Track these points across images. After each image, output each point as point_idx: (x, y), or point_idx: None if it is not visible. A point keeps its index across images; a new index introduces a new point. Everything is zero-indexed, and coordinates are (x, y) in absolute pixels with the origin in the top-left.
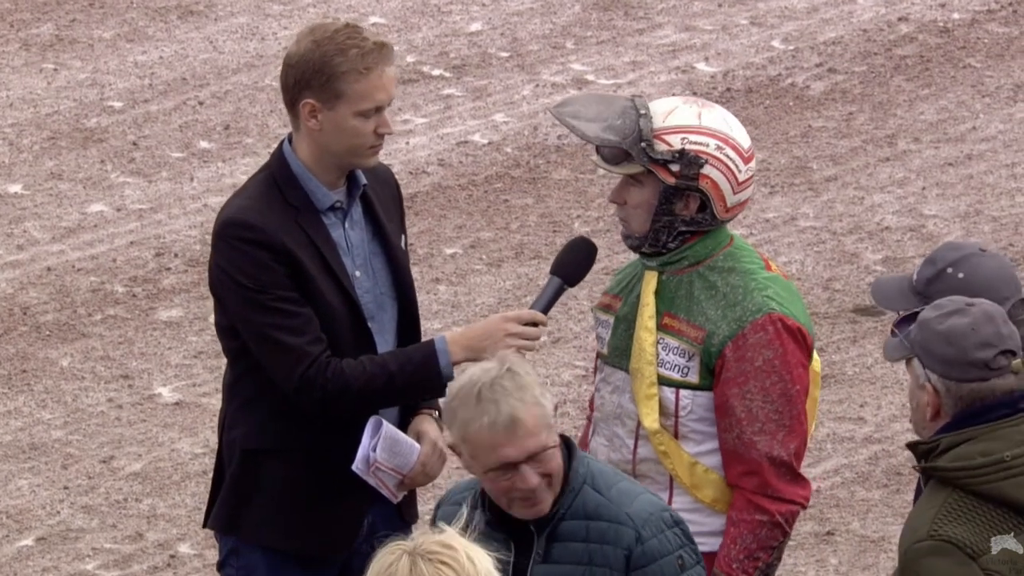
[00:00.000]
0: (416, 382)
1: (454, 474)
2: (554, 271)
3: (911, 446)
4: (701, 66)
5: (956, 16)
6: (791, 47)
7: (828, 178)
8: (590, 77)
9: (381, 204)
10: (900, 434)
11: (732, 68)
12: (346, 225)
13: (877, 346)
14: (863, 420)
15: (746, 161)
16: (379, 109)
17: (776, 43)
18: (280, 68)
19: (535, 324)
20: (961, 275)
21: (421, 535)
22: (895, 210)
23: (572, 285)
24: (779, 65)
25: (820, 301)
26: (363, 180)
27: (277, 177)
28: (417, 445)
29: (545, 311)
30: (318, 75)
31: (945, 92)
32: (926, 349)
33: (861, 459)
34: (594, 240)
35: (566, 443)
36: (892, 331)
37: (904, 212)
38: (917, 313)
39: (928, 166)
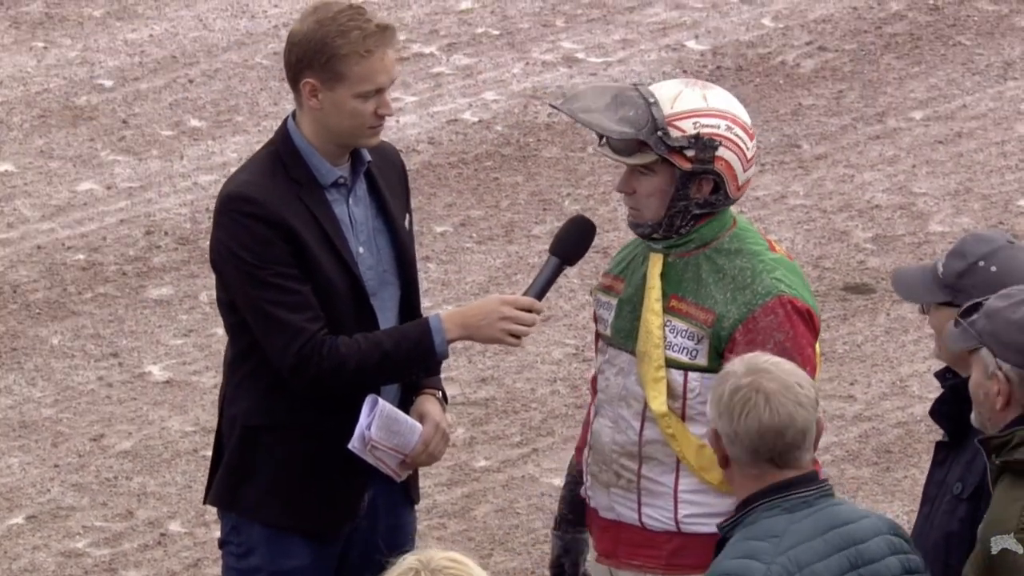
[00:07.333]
0: (411, 360)
1: (452, 450)
2: (552, 250)
3: (983, 442)
4: (691, 44)
5: None
6: (781, 25)
7: (818, 156)
8: (580, 55)
9: (386, 182)
10: (890, 412)
11: (722, 46)
12: (350, 202)
13: (867, 324)
14: (853, 398)
15: (751, 138)
16: (379, 91)
17: (766, 21)
18: (270, 46)
19: (531, 311)
20: (994, 268)
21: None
22: (885, 188)
23: (571, 264)
24: (769, 43)
25: (810, 279)
26: (367, 157)
27: (281, 152)
28: (419, 425)
29: (541, 294)
30: (319, 55)
31: (935, 70)
32: (997, 338)
33: (851, 437)
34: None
35: None
36: (955, 321)
37: (894, 190)
38: (980, 303)
39: (918, 144)
